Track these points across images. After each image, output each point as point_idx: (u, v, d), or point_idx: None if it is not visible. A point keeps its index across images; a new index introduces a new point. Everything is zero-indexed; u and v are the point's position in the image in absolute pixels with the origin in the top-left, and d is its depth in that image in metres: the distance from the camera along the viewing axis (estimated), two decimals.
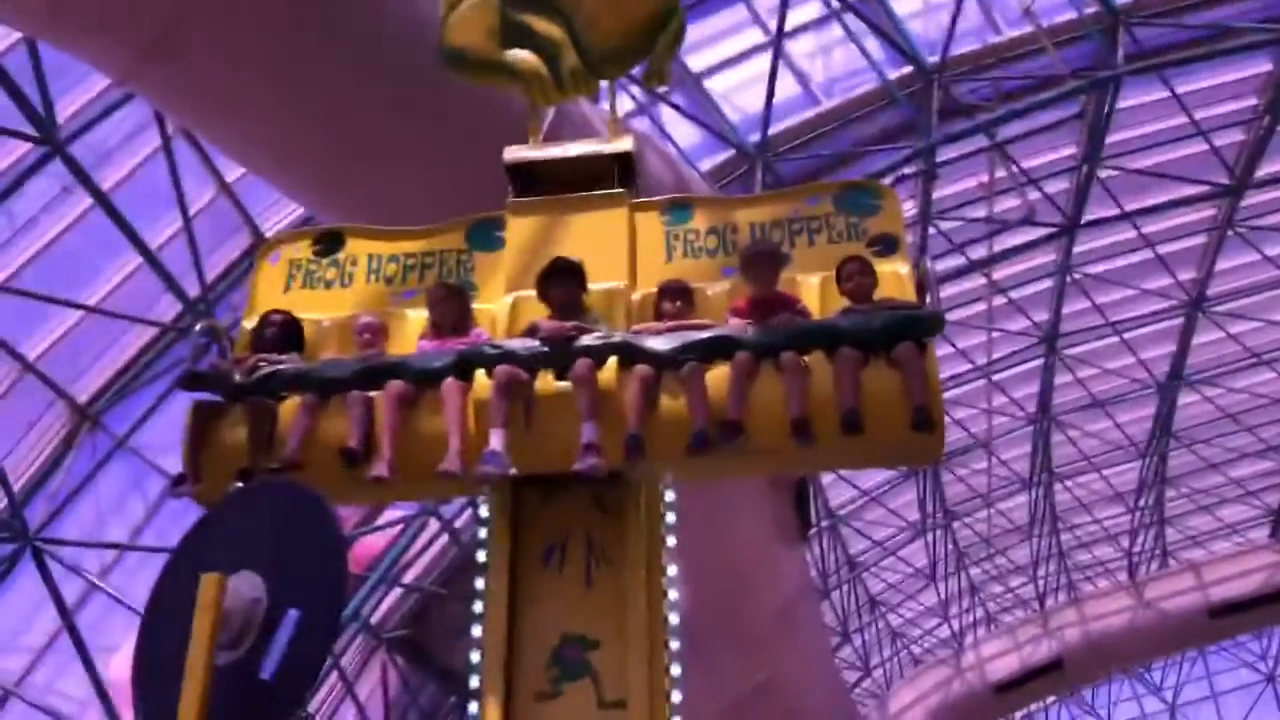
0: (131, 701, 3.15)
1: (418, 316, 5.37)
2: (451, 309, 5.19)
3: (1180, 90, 14.60)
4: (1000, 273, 17.63)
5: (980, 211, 16.11)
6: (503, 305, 5.24)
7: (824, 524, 20.82)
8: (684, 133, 13.72)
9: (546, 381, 4.73)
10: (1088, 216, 16.39)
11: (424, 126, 8.07)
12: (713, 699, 14.33)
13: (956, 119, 14.16)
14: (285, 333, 5.18)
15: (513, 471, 4.63)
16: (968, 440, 20.95)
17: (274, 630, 2.81)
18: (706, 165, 13.45)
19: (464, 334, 5.11)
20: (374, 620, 14.25)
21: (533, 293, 5.12)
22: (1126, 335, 19.26)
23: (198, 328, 5.32)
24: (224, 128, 8.59)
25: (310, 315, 5.47)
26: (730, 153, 13.77)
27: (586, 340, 4.77)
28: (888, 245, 5.28)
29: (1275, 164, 16.32)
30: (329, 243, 5.73)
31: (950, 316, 18.64)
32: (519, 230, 5.47)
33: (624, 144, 5.80)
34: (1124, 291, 18.46)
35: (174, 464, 13.02)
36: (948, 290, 17.86)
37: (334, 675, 14.32)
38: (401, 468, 4.63)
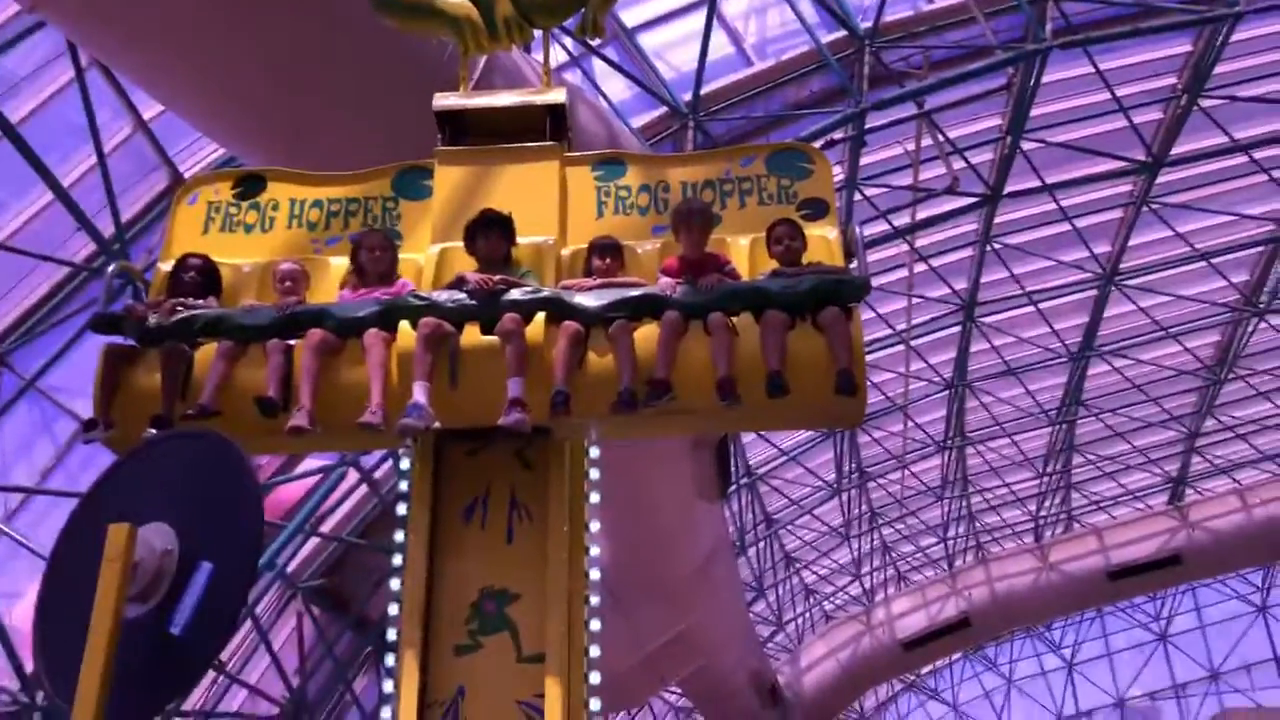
0: (33, 655, 3.06)
1: (340, 264, 5.29)
2: (384, 257, 5.11)
3: (1104, 66, 14.86)
4: (922, 241, 17.87)
5: (905, 179, 16.28)
6: (429, 256, 5.19)
7: (743, 481, 21.09)
8: (616, 88, 13.60)
9: (473, 335, 4.69)
10: (1009, 188, 16.66)
11: (351, 71, 7.88)
12: (629, 651, 14.51)
13: (886, 85, 14.25)
14: (203, 277, 5.06)
15: (436, 425, 4.59)
16: (885, 404, 21.32)
17: (185, 583, 2.74)
18: (638, 122, 13.36)
19: (389, 284, 5.03)
20: (290, 569, 14.12)
21: (460, 244, 5.08)
22: (1042, 305, 19.68)
23: (111, 268, 5.18)
24: (139, 59, 8.28)
25: (229, 260, 5.36)
26: (662, 110, 13.70)
27: (514, 294, 4.75)
28: (818, 209, 5.32)
29: (1190, 143, 16.74)
30: (250, 185, 5.62)
31: (872, 282, 18.93)
32: (447, 180, 5.41)
33: (556, 95, 5.74)
34: (1041, 262, 18.84)
35: (84, 407, 12.72)
36: (871, 256, 18.08)
37: (248, 624, 14.18)
38: (321, 419, 4.58)
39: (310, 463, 13.59)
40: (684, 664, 17.31)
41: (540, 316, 4.70)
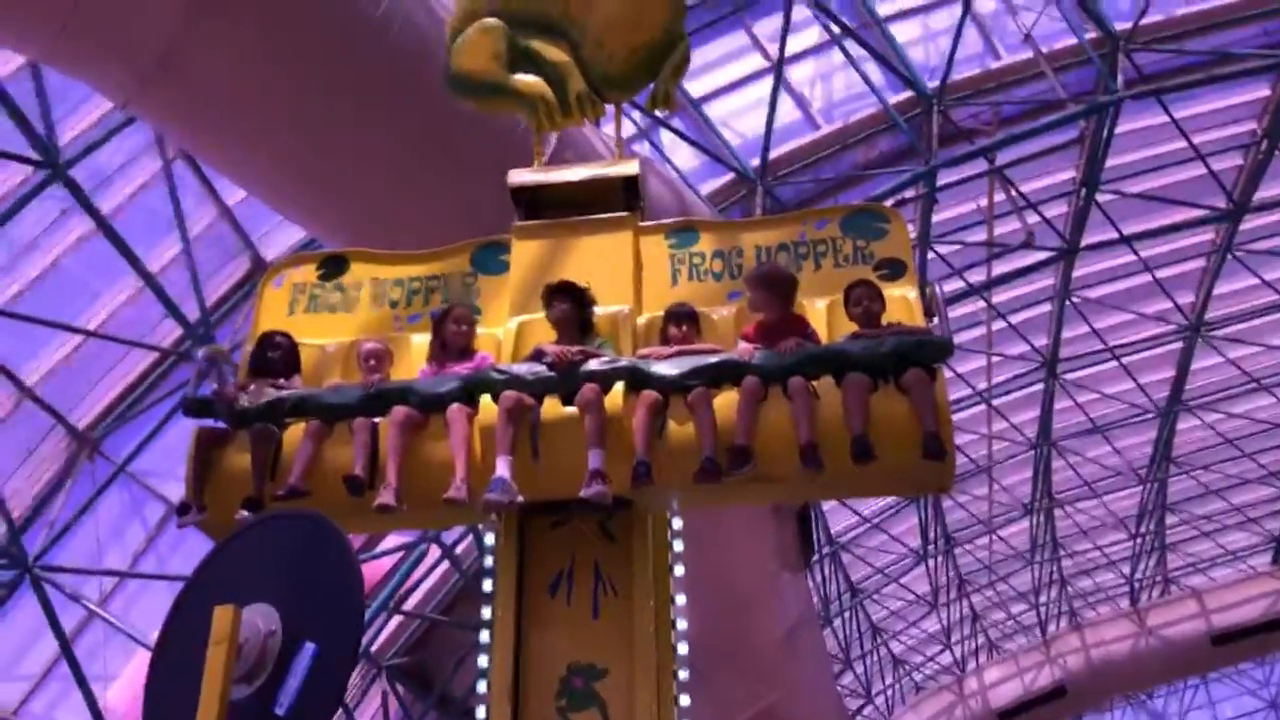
0: None
1: (422, 342, 5.33)
2: (467, 332, 5.16)
3: (1179, 115, 14.64)
4: (999, 297, 17.62)
5: (979, 235, 16.12)
6: (507, 330, 5.21)
7: (825, 550, 20.72)
8: (684, 157, 13.73)
9: (553, 407, 4.67)
10: (1086, 240, 16.40)
11: (427, 149, 8.05)
12: None
13: (956, 143, 14.19)
14: (287, 356, 5.15)
15: (520, 499, 4.58)
16: (968, 466, 20.88)
17: (289, 664, 2.74)
18: (707, 189, 13.45)
19: (469, 359, 5.06)
20: (374, 648, 14.12)
21: (538, 316, 5.09)
22: (1125, 360, 19.23)
23: (200, 353, 5.26)
24: (223, 150, 8.57)
25: (315, 340, 5.44)
26: (730, 176, 13.78)
27: (593, 364, 4.73)
28: (895, 269, 5.24)
29: (1274, 188, 16.36)
30: (333, 266, 5.71)
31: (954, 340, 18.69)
32: (524, 253, 5.45)
33: (629, 167, 5.80)
34: (1123, 316, 18.45)
35: (174, 491, 12.97)
36: (949, 314, 17.88)
37: None
38: (407, 495, 4.59)
39: (392, 540, 13.65)
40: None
41: (619, 386, 4.66)
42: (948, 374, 16.23)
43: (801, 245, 5.40)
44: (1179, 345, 19.28)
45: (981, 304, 17.56)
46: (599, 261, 5.35)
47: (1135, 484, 22.60)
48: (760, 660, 14.68)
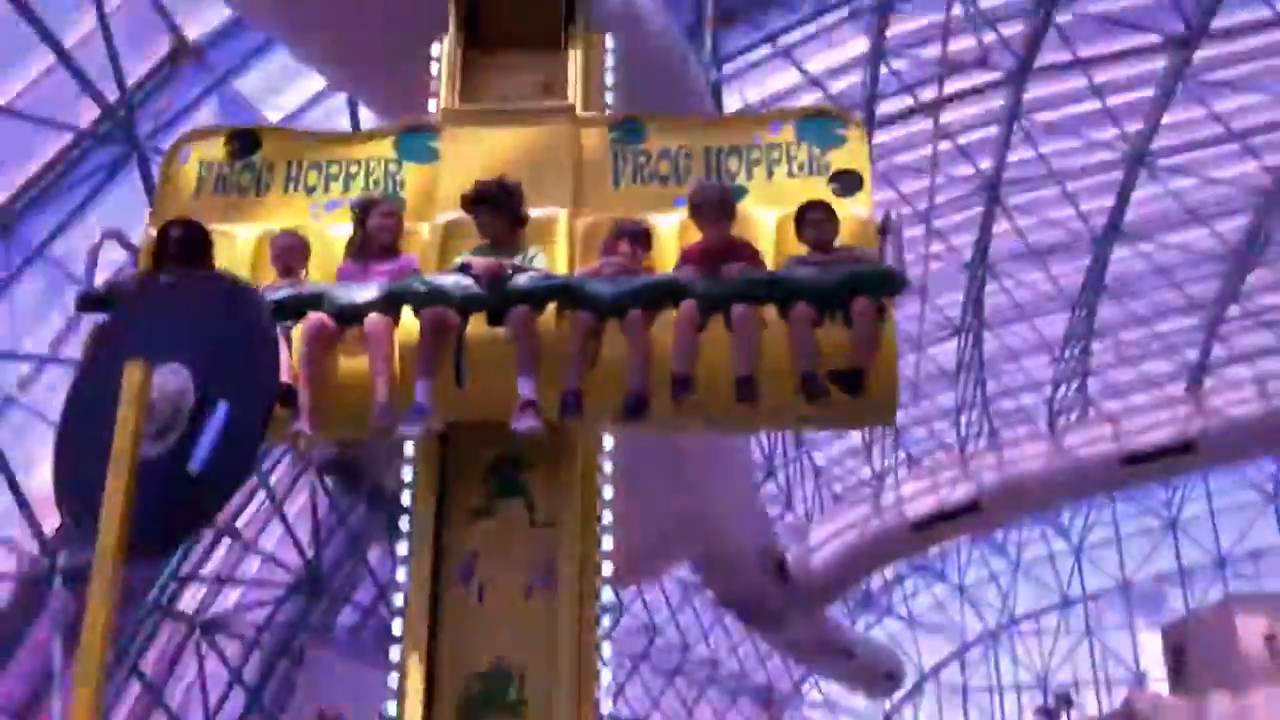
0: (54, 494, 3.03)
1: (340, 233, 4.98)
2: (393, 227, 4.80)
3: None
4: (948, 116, 17.40)
5: (933, 51, 15.76)
6: (435, 227, 4.89)
7: None
8: None
9: (479, 325, 4.44)
10: (1041, 62, 16.14)
11: None
12: (640, 526, 14.60)
13: None
14: (190, 247, 4.66)
15: (439, 427, 4.47)
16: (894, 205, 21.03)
17: (202, 423, 2.66)
18: None
19: (394, 258, 4.74)
20: None
21: (466, 216, 4.76)
22: (1069, 185, 19.27)
23: (98, 237, 4.82)
24: None
25: (222, 226, 4.99)
26: None
27: (523, 280, 4.45)
28: (850, 183, 5.01)
29: (1231, 17, 16.12)
30: (244, 143, 5.30)
31: (895, 160, 18.62)
32: (454, 143, 5.14)
33: None
34: (1070, 141, 18.37)
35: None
36: (895, 132, 17.67)
37: (262, 495, 14.30)
38: (323, 410, 4.39)
39: None
40: (694, 542, 17.48)
41: (551, 307, 4.44)
42: (890, 193, 16.06)
43: (755, 149, 5.12)
44: (1121, 174, 19.32)
45: (929, 123, 17.36)
46: (536, 155, 5.05)
47: (1065, 309, 23.04)
48: (688, 466, 15.00)
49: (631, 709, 26.25)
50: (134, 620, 12.73)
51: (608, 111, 5.47)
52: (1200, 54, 16.72)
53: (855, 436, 26.56)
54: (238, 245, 4.95)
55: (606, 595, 4.78)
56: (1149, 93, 17.92)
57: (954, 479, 24.15)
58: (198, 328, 2.81)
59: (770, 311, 4.37)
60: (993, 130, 18.15)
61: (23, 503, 11.25)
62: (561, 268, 4.70)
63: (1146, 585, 33.12)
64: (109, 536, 2.48)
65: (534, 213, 4.79)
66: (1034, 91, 17.12)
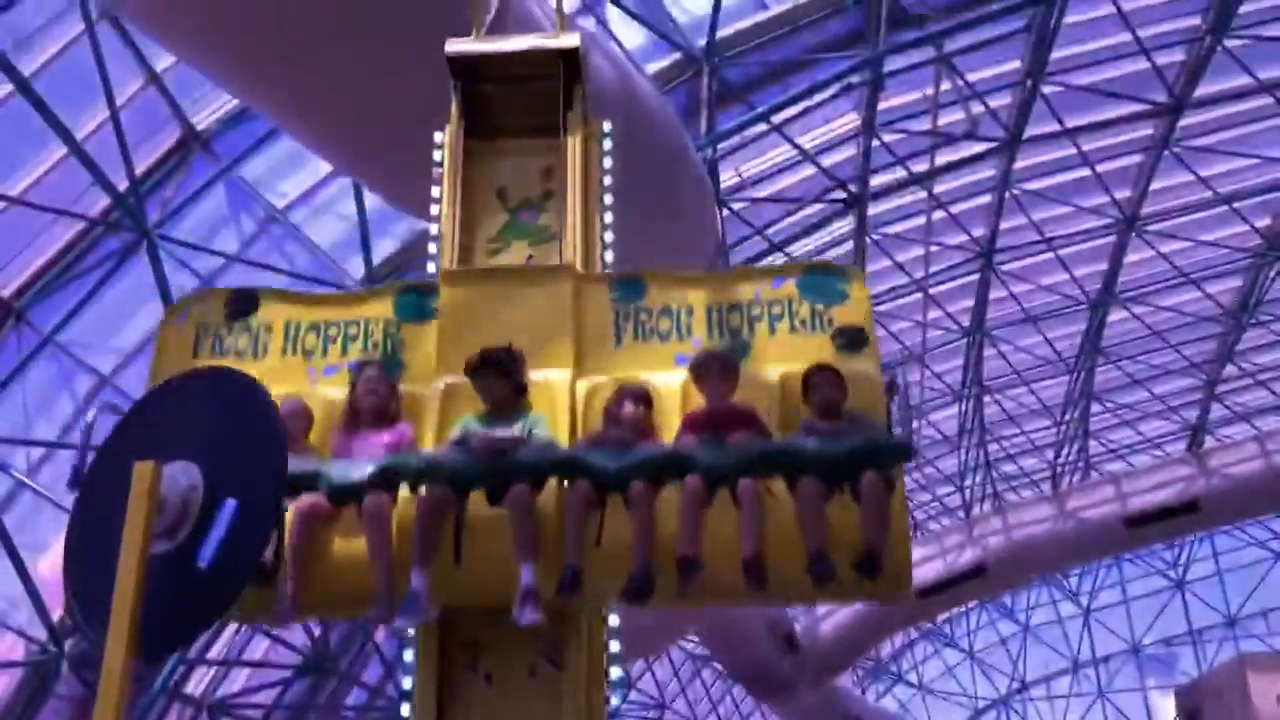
0: (64, 593, 3.11)
1: (339, 397, 4.86)
2: (382, 395, 4.72)
3: (1126, 7, 14.61)
4: (940, 187, 17.71)
5: (924, 125, 16.10)
6: (434, 390, 4.82)
7: None
8: (630, 35, 13.46)
9: (480, 503, 4.31)
10: (1030, 132, 16.48)
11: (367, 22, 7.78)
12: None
13: (904, 29, 14.06)
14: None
15: (434, 615, 4.33)
16: (903, 353, 21.26)
17: (211, 519, 2.75)
18: (653, 69, 13.23)
19: (389, 424, 4.66)
20: None
21: (466, 380, 4.69)
22: (1061, 252, 19.52)
23: (92, 411, 4.55)
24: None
25: None
26: (677, 56, 13.57)
27: (524, 454, 4.34)
28: (854, 340, 4.92)
29: (1214, 84, 16.48)
30: (242, 304, 5.22)
31: (889, 230, 18.89)
32: (453, 302, 5.08)
33: (570, 40, 5.64)
34: (1061, 209, 18.66)
35: (102, 361, 12.72)
36: (889, 203, 17.97)
37: None
38: (313, 592, 4.28)
39: None
40: (702, 613, 17.42)
41: (552, 483, 4.33)
42: (885, 263, 16.26)
43: (756, 305, 5.05)
44: (1113, 239, 19.58)
45: (923, 194, 17.66)
46: (535, 316, 4.99)
47: (1063, 373, 23.17)
48: None
49: None
50: (143, 703, 12.72)
51: (607, 215, 5.51)
52: (1184, 121, 17.08)
53: None
54: None
55: (615, 672, 4.73)
56: (1137, 159, 18.28)
57: (960, 544, 24.11)
58: (206, 425, 2.90)
59: (778, 483, 4.27)
60: (985, 199, 18.45)
61: (31, 590, 11.31)
62: (563, 432, 4.61)
63: (1157, 647, 32.80)
64: (119, 630, 2.54)
65: (534, 375, 4.73)
66: (1024, 160, 17.45)
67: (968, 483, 25.80)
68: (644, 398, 4.64)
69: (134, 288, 12.36)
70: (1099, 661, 33.43)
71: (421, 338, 5.09)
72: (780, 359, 4.86)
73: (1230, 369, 23.82)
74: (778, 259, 17.47)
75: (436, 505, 4.21)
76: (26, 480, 11.98)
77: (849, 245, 18.06)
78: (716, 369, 4.66)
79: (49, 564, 11.70)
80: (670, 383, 4.81)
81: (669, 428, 4.66)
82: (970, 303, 20.60)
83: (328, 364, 5.09)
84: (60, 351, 12.28)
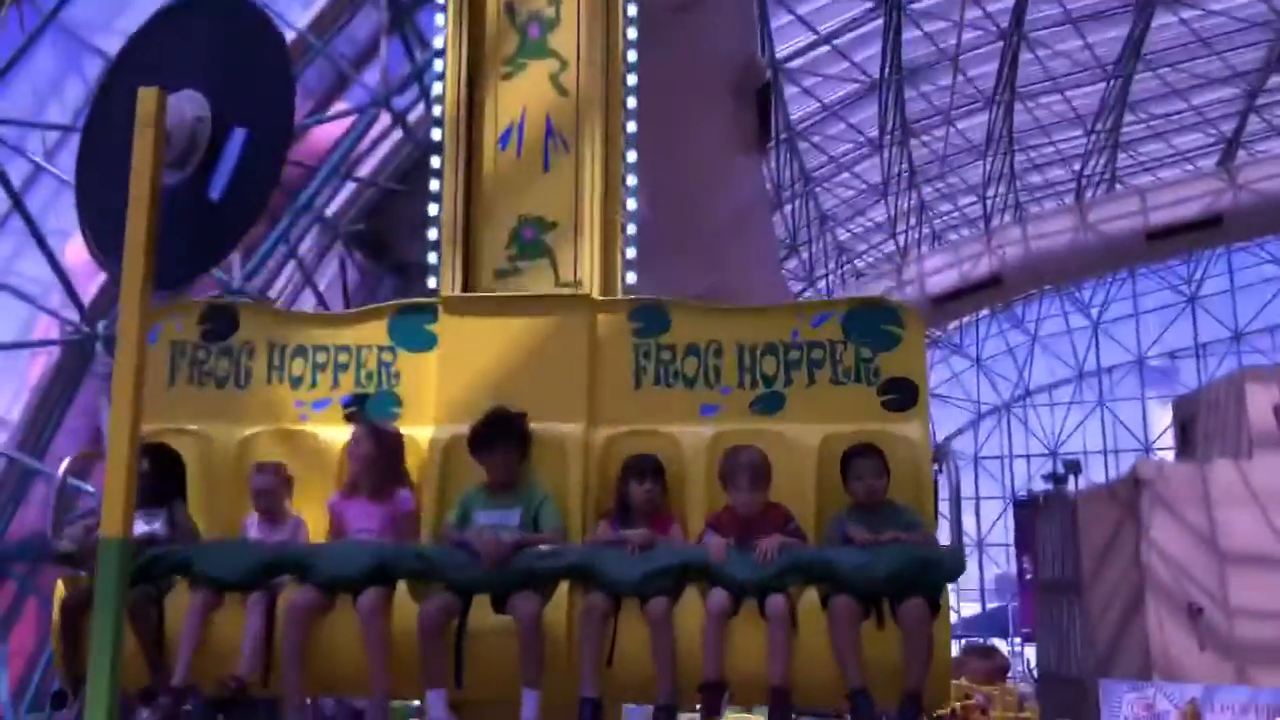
0: (79, 225, 3.12)
1: (331, 438, 4.51)
2: (375, 468, 4.33)
3: None
4: None
5: None
6: (434, 444, 4.46)
7: (783, 136, 20.70)
8: None
9: (483, 610, 4.03)
10: None
11: None
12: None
13: None
14: (160, 477, 4.21)
15: None
16: (935, 55, 20.47)
17: (221, 149, 2.71)
18: None
19: (388, 492, 4.36)
20: (329, 213, 14.28)
21: (467, 430, 4.34)
22: None
23: (64, 465, 4.31)
24: None
25: (200, 426, 4.52)
26: None
27: (530, 557, 4.04)
28: (904, 397, 4.42)
29: None
30: (220, 321, 4.67)
31: None
32: (454, 335, 4.62)
33: None
34: None
35: (110, 43, 12.36)
36: None
37: (292, 265, 14.57)
38: (305, 682, 4.08)
39: (339, 105, 13.42)
40: None
41: (563, 590, 4.03)
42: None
43: (793, 348, 4.51)
44: None
45: None
46: (546, 353, 4.54)
47: (1100, 80, 22.37)
48: (710, 241, 15.09)
49: None
50: None
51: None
52: None
53: (879, 212, 26.43)
54: (215, 450, 4.51)
55: None
56: None
57: (977, 254, 24.15)
58: (213, 54, 2.78)
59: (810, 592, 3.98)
60: None
61: (60, 273, 11.51)
62: (575, 495, 4.36)
63: (1162, 360, 33.51)
64: (134, 264, 2.55)
65: (546, 426, 4.36)
66: None
67: (990, 193, 25.52)
68: (654, 471, 4.28)
69: None
70: (1103, 372, 34.25)
71: (419, 368, 4.66)
72: (820, 415, 4.41)
73: (1274, 79, 22.89)
74: None
75: (439, 617, 3.97)
76: (44, 164, 11.93)
77: None
78: (748, 472, 4.21)
79: (75, 249, 11.86)
80: (695, 439, 4.43)
81: (691, 497, 4.37)
82: (1010, 2, 19.59)
83: (316, 397, 4.67)
84: (66, 33, 11.91)
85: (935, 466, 4.36)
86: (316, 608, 4.06)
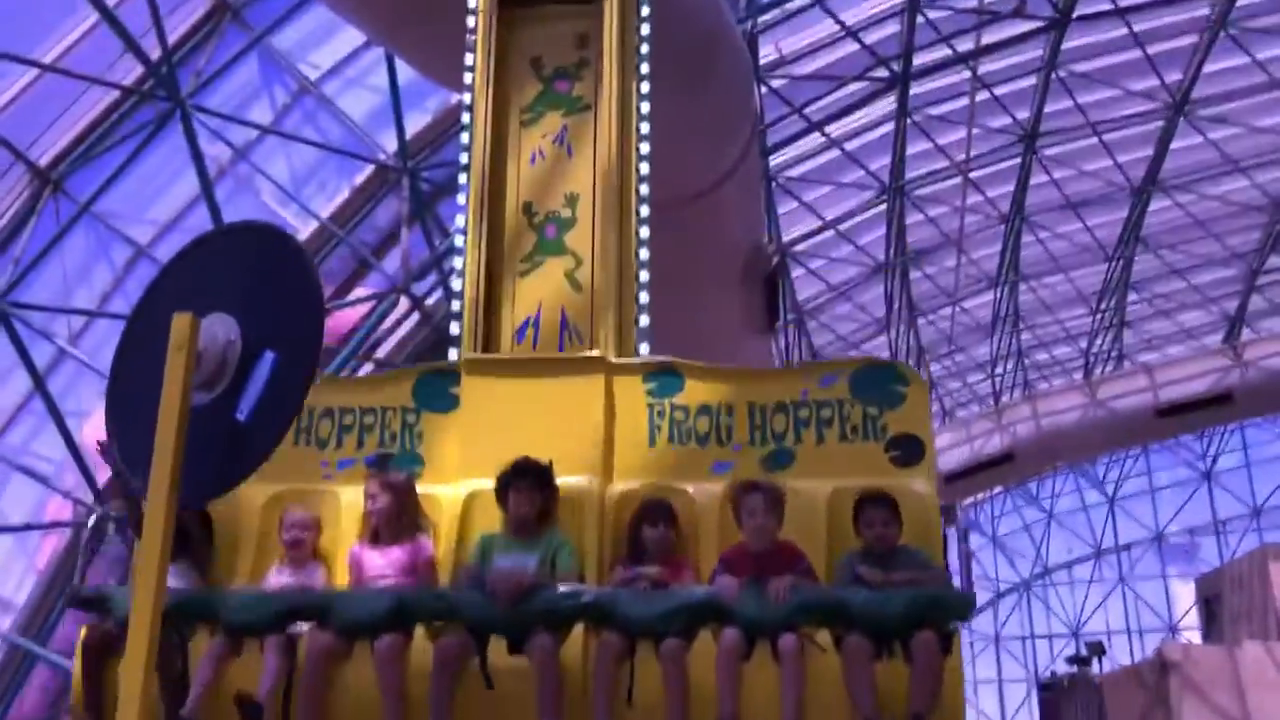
0: (105, 449, 3.18)
1: (353, 497, 4.59)
2: (394, 514, 4.42)
3: None
4: (985, 67, 17.24)
5: (970, 1, 15.61)
6: (455, 497, 4.60)
7: (791, 317, 21.05)
8: None
9: (499, 650, 4.08)
10: (1080, 11, 15.93)
11: None
12: None
13: None
14: (189, 529, 4.31)
15: None
16: (940, 239, 21.00)
17: (250, 372, 2.79)
18: None
19: (408, 537, 4.44)
20: None
21: (490, 483, 4.45)
22: (1106, 137, 19.04)
23: (95, 514, 4.35)
24: None
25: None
26: None
27: (548, 598, 4.09)
28: (910, 451, 4.57)
29: None
30: None
31: (931, 112, 18.44)
32: (475, 394, 4.79)
33: None
34: (1108, 91, 18.13)
35: (139, 232, 12.80)
36: (933, 83, 17.51)
37: None
38: None
39: (361, 290, 13.76)
40: None
41: (578, 631, 4.11)
42: (926, 145, 15.84)
43: (803, 407, 4.68)
44: (1161, 124, 19.05)
45: (967, 74, 17.21)
46: (563, 412, 4.69)
47: (1101, 261, 22.85)
48: None
49: None
50: None
51: (643, 85, 5.37)
52: (1242, 0, 16.43)
53: None
54: (242, 507, 4.57)
55: None
56: (1190, 40, 17.65)
57: (988, 430, 24.16)
58: (243, 278, 2.91)
59: (823, 634, 4.02)
60: (1030, 81, 17.94)
61: (76, 455, 11.62)
62: (591, 547, 4.41)
63: (1181, 536, 33.01)
64: (161, 481, 2.60)
65: (561, 482, 4.44)
66: (1072, 41, 16.91)
67: (999, 371, 25.73)
68: (667, 515, 4.37)
69: (168, 158, 12.37)
70: (1122, 549, 33.72)
71: (442, 429, 4.80)
72: (829, 472, 4.52)
73: (1274, 259, 23.35)
74: (815, 139, 17.21)
75: (456, 651, 4.02)
76: (69, 348, 12.20)
77: (889, 126, 17.70)
78: (762, 504, 4.24)
79: (91, 430, 11.99)
80: (707, 495, 4.51)
81: (705, 551, 4.42)
82: (1010, 188, 20.22)
83: (341, 457, 4.80)
84: (97, 221, 12.36)
85: (944, 522, 4.43)
86: (335, 652, 4.09)
